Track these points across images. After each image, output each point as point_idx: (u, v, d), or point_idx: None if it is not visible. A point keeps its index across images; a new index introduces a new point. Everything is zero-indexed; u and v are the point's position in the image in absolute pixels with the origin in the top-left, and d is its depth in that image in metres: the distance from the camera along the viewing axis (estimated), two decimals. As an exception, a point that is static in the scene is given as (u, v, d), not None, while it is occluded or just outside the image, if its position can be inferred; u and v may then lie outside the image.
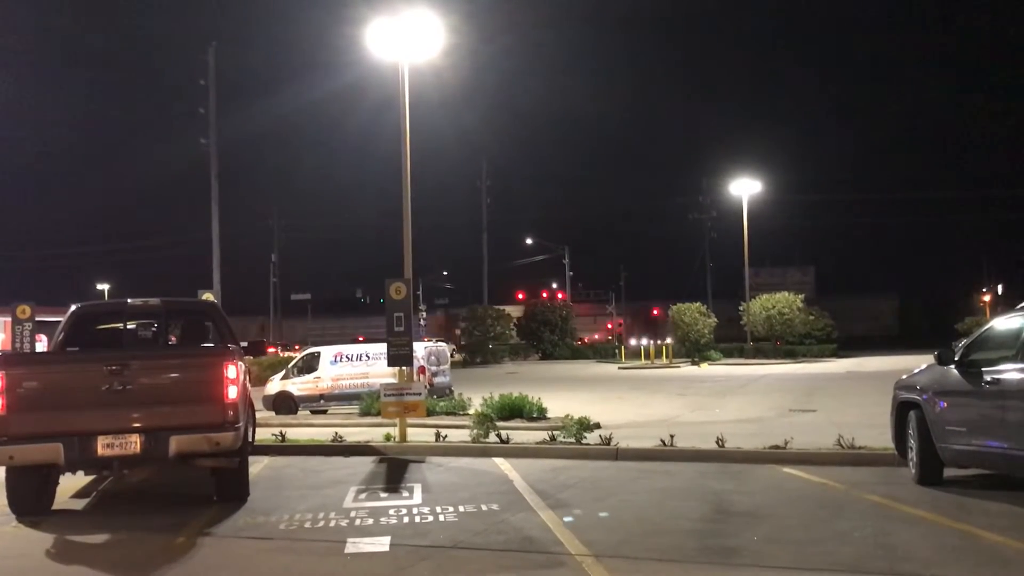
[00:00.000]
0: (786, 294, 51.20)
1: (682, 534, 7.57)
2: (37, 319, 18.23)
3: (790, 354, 47.58)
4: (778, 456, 11.50)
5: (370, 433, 14.44)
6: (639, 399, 23.46)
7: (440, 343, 28.38)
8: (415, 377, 16.27)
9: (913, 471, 9.73)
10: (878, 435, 11.55)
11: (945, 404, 9.17)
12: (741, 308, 52.54)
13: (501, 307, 61.24)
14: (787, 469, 10.85)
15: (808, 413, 18.24)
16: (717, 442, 12.01)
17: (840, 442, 11.66)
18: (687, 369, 41.35)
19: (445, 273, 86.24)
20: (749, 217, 50.50)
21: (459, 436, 13.59)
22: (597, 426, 14.08)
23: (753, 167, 57.57)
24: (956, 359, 9.18)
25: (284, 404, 21.14)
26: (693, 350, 48.50)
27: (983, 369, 8.69)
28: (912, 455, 9.78)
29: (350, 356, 21.84)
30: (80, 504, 9.86)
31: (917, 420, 9.59)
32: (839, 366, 39.32)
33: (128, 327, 10.93)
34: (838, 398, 22.11)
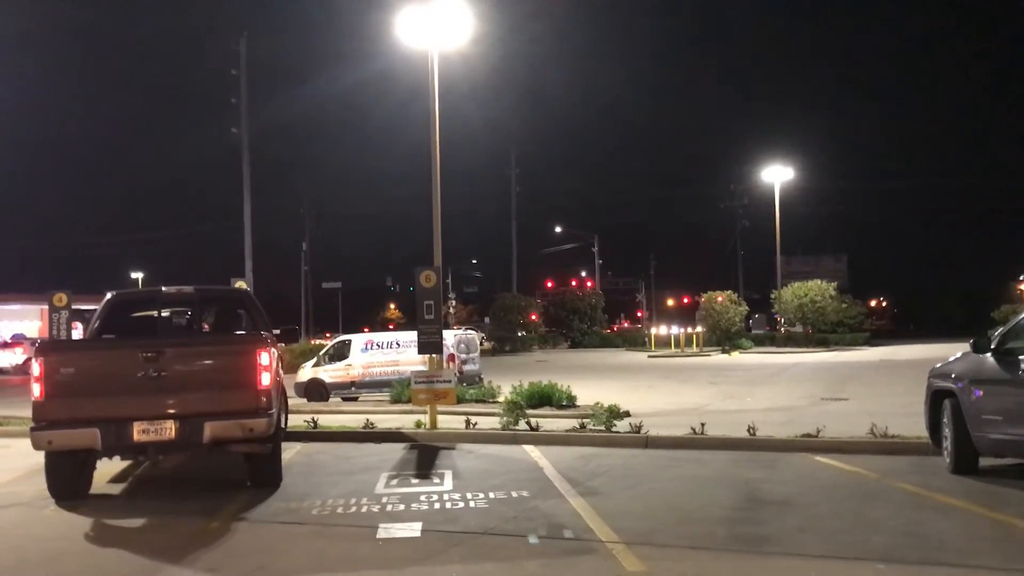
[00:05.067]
0: (819, 282, 50.64)
1: (713, 522, 7.55)
2: (73, 307, 18.48)
3: (822, 342, 47.13)
4: (810, 445, 11.42)
5: (401, 420, 14.52)
6: (669, 387, 23.38)
7: (470, 331, 28.43)
8: (445, 365, 16.34)
9: (947, 460, 9.62)
10: (912, 424, 11.43)
11: (981, 393, 9.05)
12: (773, 296, 52.16)
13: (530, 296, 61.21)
14: (819, 458, 10.77)
15: (840, 402, 18.09)
16: (748, 430, 11.95)
17: (873, 431, 11.56)
18: (718, 357, 41.13)
19: (474, 261, 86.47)
20: (781, 205, 50.08)
21: (489, 424, 13.63)
22: (627, 414, 14.06)
23: (786, 154, 57.01)
24: (993, 347, 9.06)
25: (316, 391, 21.34)
26: (724, 338, 48.21)
27: (1020, 357, 8.57)
28: (946, 444, 9.67)
29: (380, 344, 21.98)
30: (116, 489, 10.02)
31: (952, 409, 9.48)
32: (872, 354, 38.91)
33: (163, 315, 11.07)
34: (871, 386, 21.90)
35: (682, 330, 49.28)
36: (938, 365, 10.35)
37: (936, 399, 9.99)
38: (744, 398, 19.79)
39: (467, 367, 21.80)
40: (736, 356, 41.62)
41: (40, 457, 9.14)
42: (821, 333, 48.86)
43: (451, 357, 19.91)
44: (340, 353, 22.13)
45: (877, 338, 51.30)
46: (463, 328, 37.39)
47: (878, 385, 22.34)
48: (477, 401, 17.09)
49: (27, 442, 8.86)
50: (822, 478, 9.63)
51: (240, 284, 18.66)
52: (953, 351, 10.51)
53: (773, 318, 58.78)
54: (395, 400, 18.05)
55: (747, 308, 53.74)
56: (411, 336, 18.08)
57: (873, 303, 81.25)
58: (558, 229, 75.42)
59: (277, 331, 11.17)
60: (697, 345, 46.74)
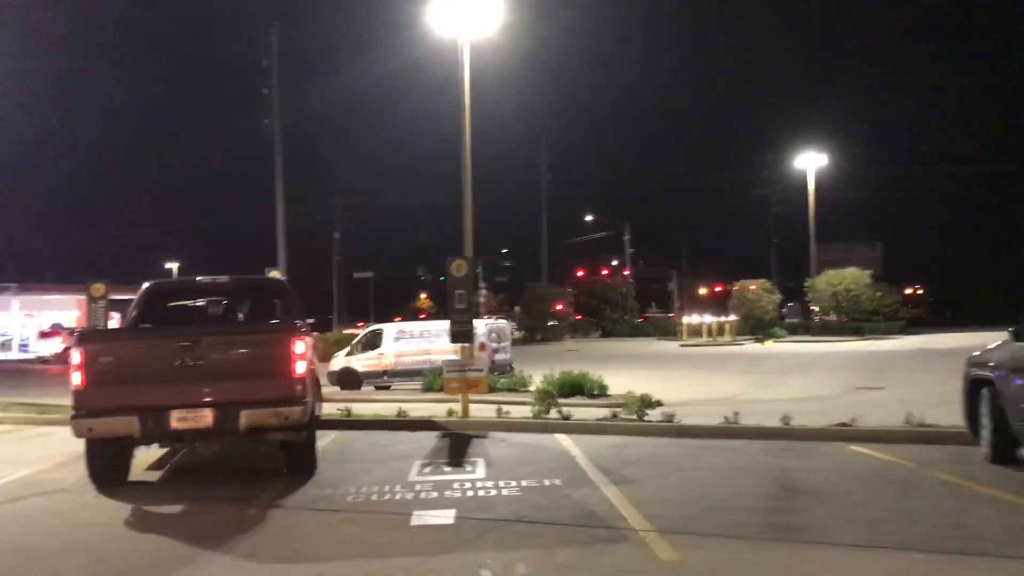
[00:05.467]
0: (853, 270, 50.00)
1: (746, 511, 7.52)
2: (111, 297, 18.71)
3: (857, 331, 46.51)
4: (845, 434, 11.33)
5: (433, 409, 14.60)
6: (701, 377, 23.27)
7: (501, 320, 28.47)
8: (476, 354, 16.39)
9: (985, 450, 9.51)
10: (948, 413, 11.30)
11: (1021, 381, 8.92)
12: (807, 284, 51.63)
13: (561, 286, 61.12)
14: (854, 447, 10.69)
15: (875, 391, 17.89)
16: (782, 420, 11.88)
17: (909, 420, 11.45)
18: (751, 347, 40.79)
19: (504, 251, 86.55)
20: (815, 191, 49.55)
21: (521, 412, 13.67)
22: (659, 403, 14.02)
23: (819, 139, 56.25)
24: (1032, 335, 8.92)
25: (349, 380, 21.51)
26: (757, 327, 47.79)
27: (1061, 346, 8.44)
28: (984, 433, 9.55)
29: (412, 333, 22.11)
30: (155, 476, 10.19)
31: (990, 397, 9.36)
32: (907, 343, 38.39)
33: (198, 304, 11.20)
34: (906, 375, 21.63)
35: (715, 319, 48.90)
36: (976, 353, 10.21)
37: (974, 388, 9.86)
38: (778, 387, 19.65)
39: (498, 356, 21.86)
40: (769, 345, 41.27)
41: (80, 444, 9.31)
42: (856, 322, 48.26)
43: (482, 346, 19.97)
44: (373, 342, 22.29)
45: (913, 326, 50.55)
46: (494, 317, 37.44)
47: (914, 374, 22.06)
48: (508, 390, 17.14)
49: (68, 430, 9.03)
50: (857, 467, 9.56)
51: (274, 273, 18.76)
52: (991, 339, 10.36)
53: (807, 307, 58.11)
54: (427, 389, 18.15)
55: (781, 296, 53.11)
56: (443, 325, 18.17)
57: (909, 291, 79.98)
58: (589, 218, 75.18)
59: (311, 320, 11.25)
60: (730, 334, 46.38)
